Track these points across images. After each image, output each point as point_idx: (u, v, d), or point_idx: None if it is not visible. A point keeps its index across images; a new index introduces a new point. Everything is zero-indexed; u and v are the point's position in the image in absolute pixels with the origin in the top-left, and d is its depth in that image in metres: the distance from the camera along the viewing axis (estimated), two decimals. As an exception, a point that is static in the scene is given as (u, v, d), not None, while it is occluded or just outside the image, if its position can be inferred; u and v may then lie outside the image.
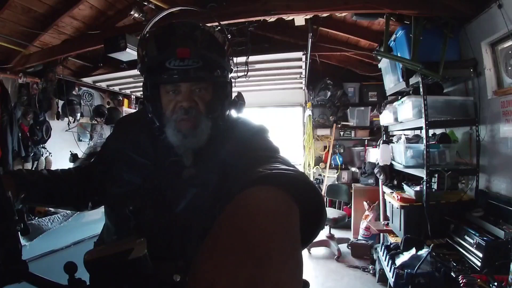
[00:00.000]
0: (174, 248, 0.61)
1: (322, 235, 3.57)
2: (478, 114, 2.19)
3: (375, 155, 3.53)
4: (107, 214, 0.81)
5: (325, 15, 2.46)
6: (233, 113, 0.81)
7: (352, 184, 4.15)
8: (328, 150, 4.50)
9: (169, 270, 0.50)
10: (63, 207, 0.89)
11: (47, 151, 3.57)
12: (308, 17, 2.51)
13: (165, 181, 0.73)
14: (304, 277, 0.66)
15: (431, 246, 1.89)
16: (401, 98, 2.58)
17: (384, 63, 2.94)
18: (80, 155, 3.63)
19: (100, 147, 0.92)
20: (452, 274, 1.71)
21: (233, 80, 0.79)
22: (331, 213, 3.63)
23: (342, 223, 3.61)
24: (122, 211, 0.66)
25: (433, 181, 2.16)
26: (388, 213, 2.80)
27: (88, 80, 3.92)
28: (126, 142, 0.79)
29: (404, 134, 2.80)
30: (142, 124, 0.79)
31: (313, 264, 3.24)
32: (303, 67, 3.44)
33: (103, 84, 4.13)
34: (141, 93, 0.79)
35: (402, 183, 2.66)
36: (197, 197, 0.69)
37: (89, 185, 0.86)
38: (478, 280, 1.57)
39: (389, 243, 2.48)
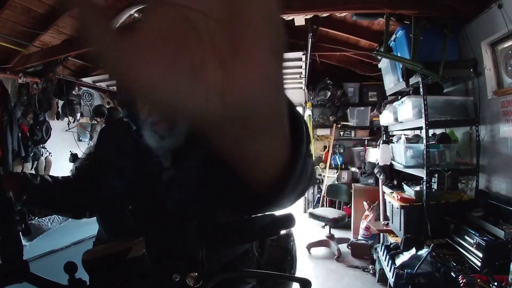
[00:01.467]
0: (172, 248, 0.61)
1: (322, 235, 3.57)
2: (478, 114, 2.19)
3: (375, 155, 3.54)
4: (97, 219, 0.82)
5: (325, 15, 2.46)
6: None
7: (352, 184, 4.15)
8: (328, 150, 4.50)
9: (168, 269, 0.50)
10: (62, 214, 0.91)
11: (47, 151, 3.58)
12: (308, 17, 2.52)
13: (150, 183, 0.73)
14: (306, 276, 0.66)
15: (431, 246, 1.89)
16: (401, 98, 2.59)
17: (384, 63, 2.94)
18: (80, 155, 3.63)
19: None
20: (452, 274, 1.71)
21: None
22: (331, 213, 3.64)
23: (342, 223, 3.61)
24: (113, 214, 0.69)
25: (433, 181, 2.16)
26: (388, 213, 2.80)
27: (88, 80, 3.92)
28: (111, 148, 0.80)
29: (404, 134, 2.80)
30: (126, 128, 0.79)
31: (313, 264, 3.24)
32: (303, 67, 3.44)
33: (103, 84, 4.14)
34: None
35: (402, 183, 2.66)
36: (182, 196, 0.70)
37: (85, 193, 0.87)
38: (478, 280, 1.57)
39: (389, 243, 2.48)
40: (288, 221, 0.64)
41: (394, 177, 2.91)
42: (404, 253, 2.06)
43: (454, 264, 1.84)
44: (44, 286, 0.54)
